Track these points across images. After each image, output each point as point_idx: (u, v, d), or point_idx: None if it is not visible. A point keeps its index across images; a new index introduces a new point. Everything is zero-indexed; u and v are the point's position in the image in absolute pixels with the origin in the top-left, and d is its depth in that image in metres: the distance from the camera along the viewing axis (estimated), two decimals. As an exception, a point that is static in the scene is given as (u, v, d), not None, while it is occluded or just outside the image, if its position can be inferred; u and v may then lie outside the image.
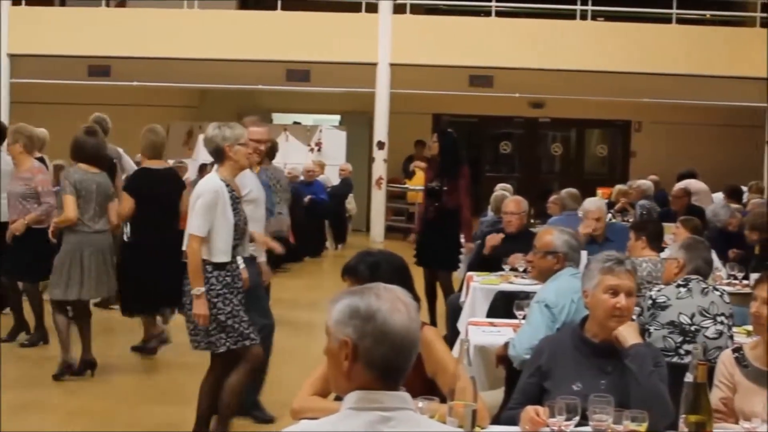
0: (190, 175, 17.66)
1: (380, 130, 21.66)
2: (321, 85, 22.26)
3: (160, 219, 9.86)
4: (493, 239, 9.96)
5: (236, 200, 7.06)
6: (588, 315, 5.07)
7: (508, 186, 14.40)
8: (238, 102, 24.84)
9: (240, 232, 7.09)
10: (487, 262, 9.62)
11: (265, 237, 8.01)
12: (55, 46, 21.12)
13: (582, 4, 21.51)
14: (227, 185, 7.00)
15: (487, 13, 22.00)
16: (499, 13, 22.07)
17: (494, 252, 9.76)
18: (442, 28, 21.80)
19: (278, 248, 8.23)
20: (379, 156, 21.67)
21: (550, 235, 6.66)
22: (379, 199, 21.81)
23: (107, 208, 9.40)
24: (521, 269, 9.00)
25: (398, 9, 21.66)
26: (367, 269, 4.89)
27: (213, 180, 7.03)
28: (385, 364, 3.03)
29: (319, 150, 22.71)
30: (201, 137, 21.66)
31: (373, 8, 21.60)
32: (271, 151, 12.74)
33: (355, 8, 21.76)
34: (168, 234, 9.54)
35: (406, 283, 4.82)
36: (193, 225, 6.94)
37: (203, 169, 15.33)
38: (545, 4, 22.28)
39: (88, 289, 9.31)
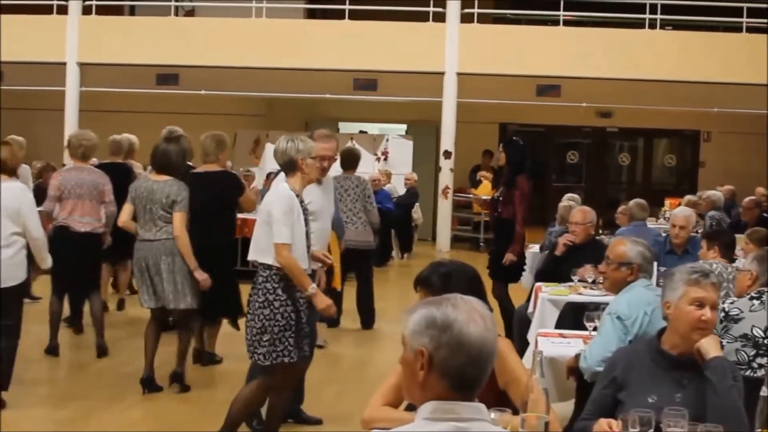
0: (257, 183, 17.73)
1: (447, 140, 21.62)
2: (388, 94, 22.27)
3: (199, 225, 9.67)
4: (565, 238, 9.89)
5: (305, 211, 7.10)
6: (665, 327, 4.99)
7: (576, 196, 14.27)
8: (305, 111, 24.98)
9: (309, 243, 7.15)
10: (556, 273, 9.54)
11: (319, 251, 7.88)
12: (124, 55, 21.31)
13: (650, 14, 21.32)
14: (297, 195, 7.04)
15: (555, 23, 21.87)
16: (567, 23, 21.94)
17: (564, 255, 9.68)
18: (510, 38, 21.73)
19: (327, 262, 8.13)
20: (446, 165, 21.63)
21: (624, 246, 6.57)
22: (445, 208, 21.77)
23: (172, 217, 9.18)
24: (590, 280, 8.90)
25: (466, 18, 21.59)
26: (440, 280, 4.84)
27: (285, 189, 7.07)
28: (460, 374, 3.02)
29: (385, 159, 22.68)
30: (268, 146, 21.97)
31: (440, 17, 21.56)
32: (354, 160, 12.85)
33: (423, 18, 21.73)
34: (212, 241, 9.64)
35: (479, 293, 4.74)
36: (277, 234, 6.95)
37: (269, 178, 15.34)
38: (613, 13, 22.10)
39: (147, 298, 9.30)
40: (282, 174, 7.43)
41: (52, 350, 10.82)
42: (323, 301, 7.10)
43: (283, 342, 6.97)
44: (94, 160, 11.69)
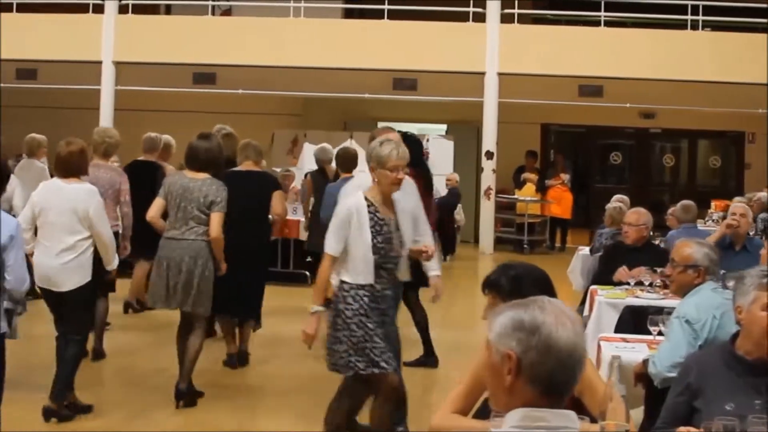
0: (296, 183, 17.52)
1: (489, 140, 21.38)
2: (428, 94, 22.02)
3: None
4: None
5: (380, 221, 6.78)
6: (739, 331, 4.79)
7: (625, 198, 13.93)
8: (343, 110, 24.76)
9: (383, 254, 6.79)
10: (610, 276, 9.27)
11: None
12: (160, 54, 21.16)
13: (693, 14, 21.00)
14: (371, 204, 6.79)
15: (596, 24, 21.58)
16: (608, 23, 21.65)
17: (617, 258, 9.47)
18: (551, 38, 21.48)
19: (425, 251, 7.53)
20: (488, 166, 21.38)
21: (690, 248, 6.41)
22: (488, 209, 21.50)
23: (209, 217, 8.82)
24: (647, 283, 8.70)
25: (505, 19, 21.32)
26: (509, 282, 4.61)
27: (353, 198, 6.92)
28: (550, 379, 2.91)
29: (426, 159, 22.38)
30: (306, 146, 21.80)
31: (481, 17, 21.30)
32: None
33: (463, 17, 21.47)
34: (245, 239, 9.37)
35: (550, 296, 4.48)
36: (326, 243, 6.83)
37: (306, 178, 15.08)
38: (655, 14, 21.78)
39: (175, 300, 8.89)
40: (358, 178, 7.30)
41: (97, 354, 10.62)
42: (308, 325, 6.87)
43: (366, 353, 6.75)
44: (115, 158, 11.47)
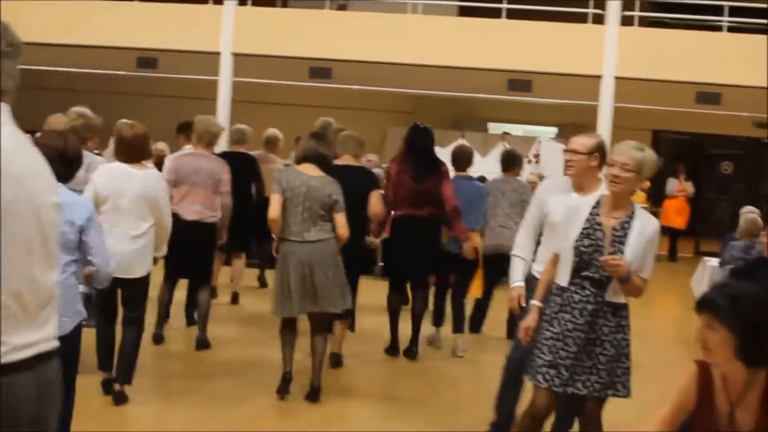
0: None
1: (600, 144, 21.08)
2: (542, 95, 21.86)
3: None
4: None
5: (597, 225, 6.33)
6: None
7: (755, 209, 13.66)
8: (455, 109, 24.74)
9: (584, 259, 6.32)
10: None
11: None
12: (277, 47, 21.24)
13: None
14: (596, 206, 6.39)
15: (716, 29, 21.21)
16: (730, 29, 21.24)
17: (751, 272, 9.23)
18: (671, 42, 21.09)
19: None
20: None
21: None
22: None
23: (333, 217, 8.77)
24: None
25: (625, 21, 21.04)
26: (728, 302, 4.26)
27: (575, 197, 6.79)
28: None
29: (537, 162, 22.27)
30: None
31: (599, 19, 21.07)
32: (516, 163, 12.49)
33: (581, 19, 21.26)
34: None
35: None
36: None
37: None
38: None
39: (296, 304, 8.80)
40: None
41: (158, 339, 10.75)
42: (530, 319, 6.60)
43: (534, 360, 6.50)
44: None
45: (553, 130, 25.64)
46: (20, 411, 3.17)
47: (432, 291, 11.75)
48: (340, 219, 8.75)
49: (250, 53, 21.47)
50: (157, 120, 17.37)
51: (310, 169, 8.85)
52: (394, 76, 21.77)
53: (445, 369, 10.91)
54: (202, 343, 10.68)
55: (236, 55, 21.66)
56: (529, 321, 6.60)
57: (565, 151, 7.17)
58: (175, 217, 10.12)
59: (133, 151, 8.28)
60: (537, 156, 22.38)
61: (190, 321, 11.67)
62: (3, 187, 3.05)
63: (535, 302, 6.61)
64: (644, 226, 6.34)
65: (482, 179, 19.03)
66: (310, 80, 22.08)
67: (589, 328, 6.29)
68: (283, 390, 8.88)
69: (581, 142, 7.19)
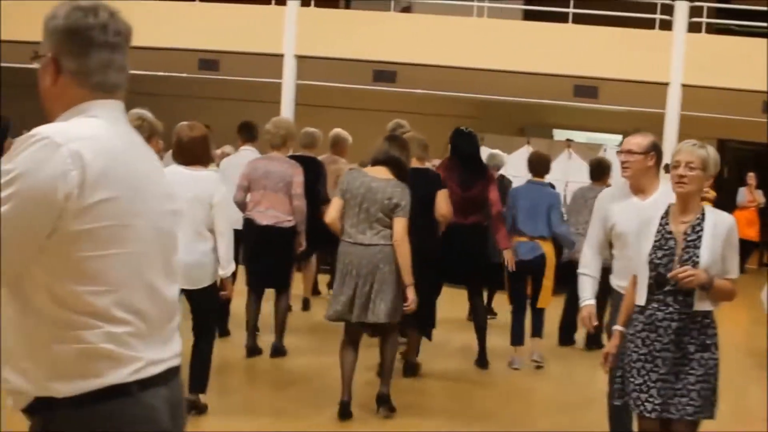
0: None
1: (668, 153, 20.66)
2: (608, 102, 21.52)
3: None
4: None
5: (668, 234, 6.07)
6: None
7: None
8: (519, 115, 24.48)
9: (660, 272, 6.01)
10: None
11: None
12: (341, 50, 21.09)
13: None
14: (666, 214, 6.14)
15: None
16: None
17: None
18: (737, 50, 20.70)
19: None
20: (667, 179, 20.65)
21: None
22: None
23: (392, 221, 8.43)
24: None
25: (692, 27, 20.68)
26: None
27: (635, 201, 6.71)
28: None
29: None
30: (483, 149, 21.48)
31: (667, 26, 20.72)
32: (604, 171, 12.25)
33: (649, 25, 20.93)
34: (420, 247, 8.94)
35: None
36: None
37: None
38: None
39: (343, 309, 8.52)
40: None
41: (252, 351, 10.53)
42: (610, 345, 6.36)
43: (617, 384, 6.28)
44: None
45: (618, 137, 25.28)
46: (157, 430, 3.04)
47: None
48: (398, 224, 8.40)
49: (314, 55, 21.34)
50: (219, 122, 17.28)
51: (378, 172, 8.60)
52: (458, 81, 21.50)
53: (518, 380, 10.76)
54: (278, 351, 10.56)
55: (299, 57, 21.53)
56: (609, 347, 6.38)
57: (620, 152, 7.05)
58: (250, 222, 10.03)
59: (191, 153, 8.15)
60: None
61: (222, 332, 11.20)
62: (117, 194, 2.90)
63: (618, 327, 6.34)
64: (717, 224, 6.05)
65: (551, 186, 18.84)
66: (374, 84, 21.87)
67: (675, 347, 5.99)
68: (343, 415, 8.59)
69: (636, 141, 7.06)
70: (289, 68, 21.59)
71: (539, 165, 11.67)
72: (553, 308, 11.78)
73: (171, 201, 3.21)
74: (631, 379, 6.06)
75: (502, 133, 23.01)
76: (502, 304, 12.33)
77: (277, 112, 20.85)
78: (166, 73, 22.43)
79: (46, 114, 3.14)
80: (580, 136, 25.42)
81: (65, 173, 2.81)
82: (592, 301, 7.07)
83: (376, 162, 8.69)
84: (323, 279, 14.46)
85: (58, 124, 2.99)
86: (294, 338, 11.29)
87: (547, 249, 11.19)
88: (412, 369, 10.21)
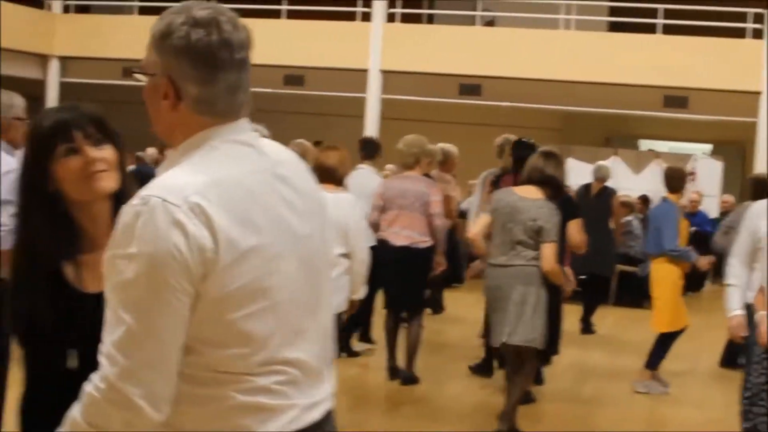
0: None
1: (760, 162, 20.32)
2: (697, 112, 21.16)
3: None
4: None
5: None
6: None
7: None
8: (605, 126, 24.21)
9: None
10: None
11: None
12: (426, 64, 21.04)
13: None
14: None
15: None
16: None
17: None
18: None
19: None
20: (759, 190, 20.32)
21: None
22: (761, 236, 20.38)
23: (539, 245, 8.04)
24: None
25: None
26: None
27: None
28: None
29: (693, 180, 21.60)
30: (569, 160, 21.30)
31: (758, 34, 20.37)
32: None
33: (739, 34, 20.59)
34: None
35: None
36: None
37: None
38: None
39: (495, 332, 8.28)
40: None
41: (393, 373, 10.27)
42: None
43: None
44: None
45: (705, 146, 24.94)
46: None
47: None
48: (545, 250, 7.98)
49: (399, 70, 21.29)
50: (304, 138, 17.22)
51: (528, 191, 8.19)
52: (543, 93, 21.32)
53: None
54: (409, 379, 10.15)
55: (384, 72, 21.48)
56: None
57: None
58: (384, 243, 9.83)
59: (326, 173, 7.95)
60: (692, 173, 21.69)
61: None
62: (257, 242, 2.54)
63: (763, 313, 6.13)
64: None
65: (645, 199, 18.51)
66: (460, 97, 21.77)
67: None
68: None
69: None
70: (375, 83, 21.56)
71: (674, 180, 10.89)
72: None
73: (309, 219, 2.74)
74: (761, 403, 5.90)
75: (588, 144, 22.79)
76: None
77: (361, 126, 20.88)
78: (251, 89, 22.46)
79: (163, 139, 2.76)
80: (663, 146, 25.10)
81: (192, 236, 2.42)
82: (740, 312, 6.87)
83: (528, 181, 8.29)
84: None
85: (170, 176, 2.54)
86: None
87: (665, 269, 10.53)
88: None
